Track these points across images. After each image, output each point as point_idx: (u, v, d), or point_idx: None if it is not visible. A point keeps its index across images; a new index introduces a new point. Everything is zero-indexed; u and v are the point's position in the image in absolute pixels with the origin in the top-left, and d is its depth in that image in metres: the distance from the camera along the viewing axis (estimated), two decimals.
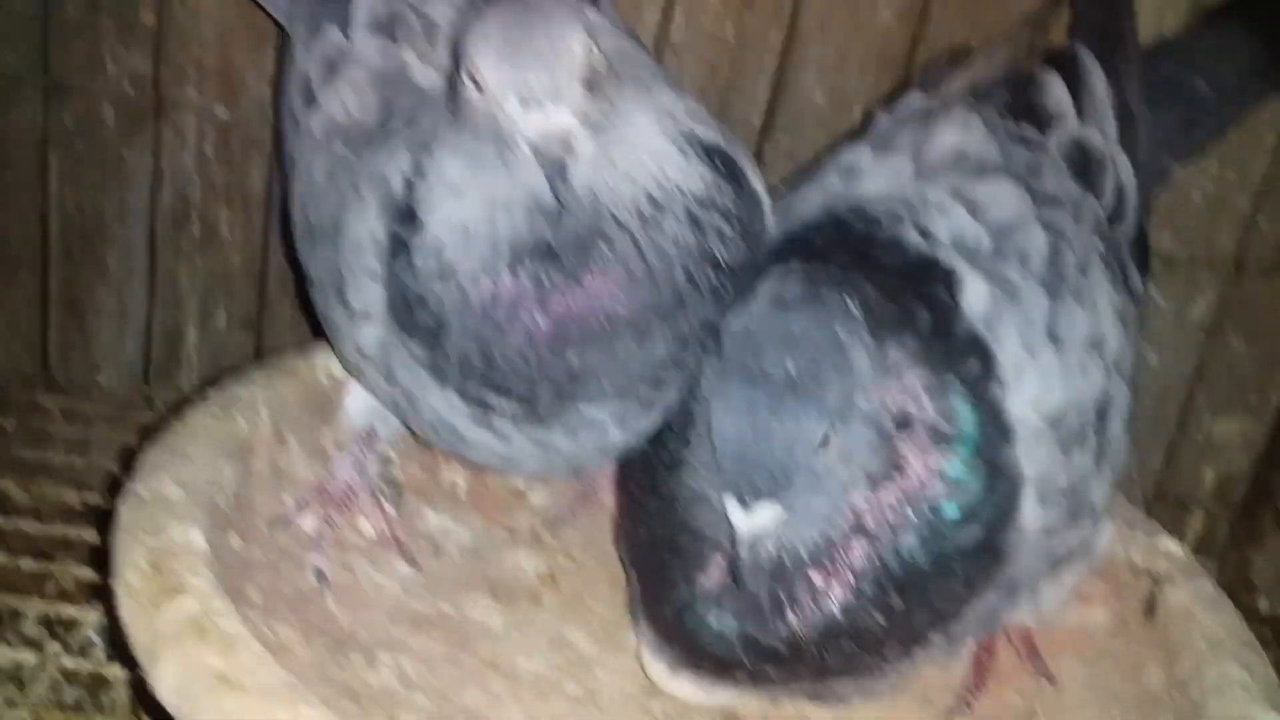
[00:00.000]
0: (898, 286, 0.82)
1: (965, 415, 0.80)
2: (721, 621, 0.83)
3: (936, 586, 0.81)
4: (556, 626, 0.95)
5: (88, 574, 1.08)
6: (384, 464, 0.99)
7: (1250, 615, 1.05)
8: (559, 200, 0.74)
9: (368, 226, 0.85)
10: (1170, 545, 0.95)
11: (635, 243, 0.79)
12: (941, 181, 0.89)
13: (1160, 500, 1.32)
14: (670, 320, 0.82)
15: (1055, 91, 0.98)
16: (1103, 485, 0.87)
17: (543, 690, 0.90)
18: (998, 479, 0.81)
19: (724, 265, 0.84)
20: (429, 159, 0.82)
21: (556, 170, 0.73)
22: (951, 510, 0.80)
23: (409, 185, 0.83)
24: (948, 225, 0.86)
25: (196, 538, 0.75)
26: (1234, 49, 1.08)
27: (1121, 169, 0.96)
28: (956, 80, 1.05)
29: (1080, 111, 0.97)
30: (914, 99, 1.03)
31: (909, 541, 0.80)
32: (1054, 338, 0.84)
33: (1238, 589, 1.29)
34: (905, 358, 0.80)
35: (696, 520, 0.84)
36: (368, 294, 0.85)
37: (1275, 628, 1.27)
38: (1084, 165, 0.95)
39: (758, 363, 0.74)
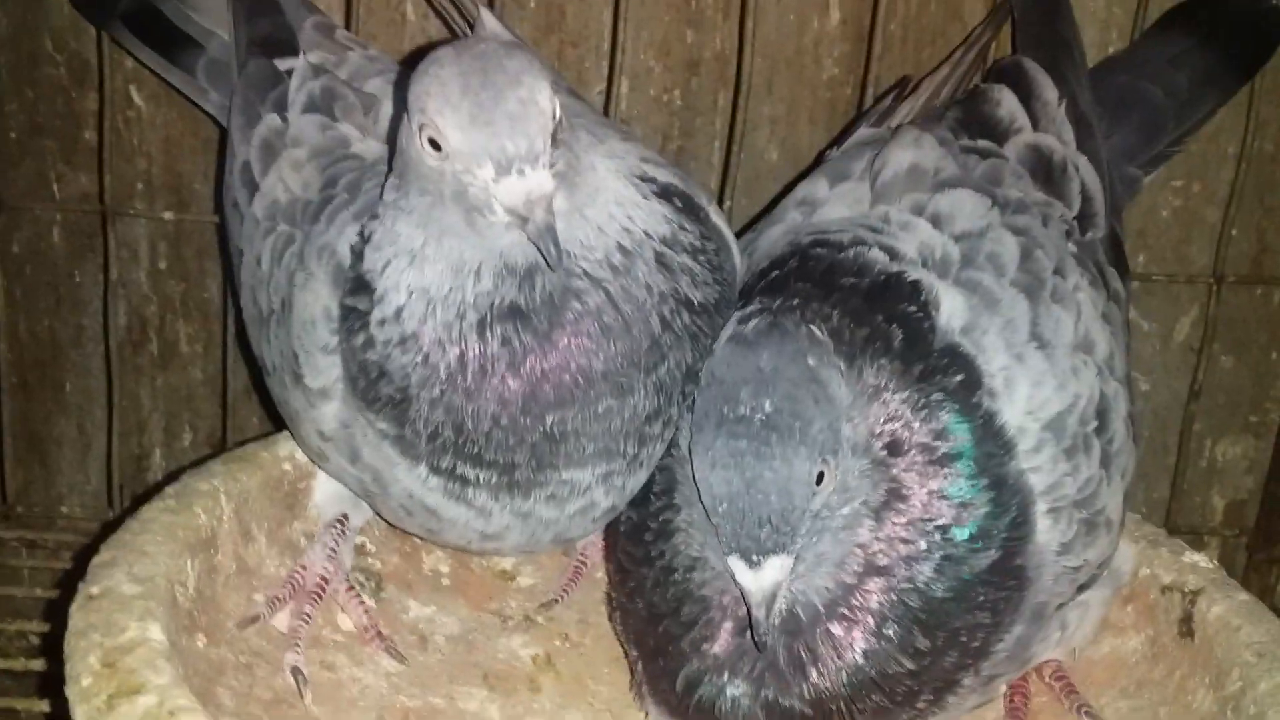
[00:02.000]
0: (865, 308, 0.80)
1: (959, 431, 0.77)
2: (738, 690, 0.78)
3: (961, 619, 0.77)
4: (557, 713, 0.89)
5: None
6: (359, 555, 0.93)
7: None
8: (549, 265, 0.70)
9: (319, 301, 0.81)
10: (1197, 559, 0.90)
11: (608, 295, 0.76)
12: (901, 200, 0.87)
13: (1173, 533, 1.27)
14: (650, 371, 0.78)
15: (1006, 102, 0.96)
16: (1115, 495, 0.82)
17: None
18: (1005, 494, 0.77)
19: (697, 306, 0.80)
20: (380, 227, 0.79)
21: (547, 236, 0.69)
22: (962, 533, 0.76)
23: (358, 255, 0.79)
24: (913, 240, 0.83)
25: (156, 634, 0.69)
26: (1185, 56, 1.07)
27: (1085, 173, 0.94)
28: (902, 110, 1.04)
29: (1034, 121, 0.96)
30: (863, 132, 1.01)
31: (925, 573, 0.76)
32: (1040, 341, 0.80)
33: None
34: (885, 379, 0.77)
35: (697, 586, 0.79)
36: (324, 372, 0.81)
37: None
38: (1046, 171, 0.92)
39: (733, 409, 0.71)
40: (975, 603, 0.77)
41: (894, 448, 0.76)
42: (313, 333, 0.81)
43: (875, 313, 0.79)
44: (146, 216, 1.20)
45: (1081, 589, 0.83)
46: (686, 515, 0.80)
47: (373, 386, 0.77)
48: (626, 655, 0.89)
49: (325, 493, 0.91)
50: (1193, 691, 0.84)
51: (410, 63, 0.78)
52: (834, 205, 0.89)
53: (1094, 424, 0.81)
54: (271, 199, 0.88)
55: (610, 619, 0.91)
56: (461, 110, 0.68)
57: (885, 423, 0.76)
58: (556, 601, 0.97)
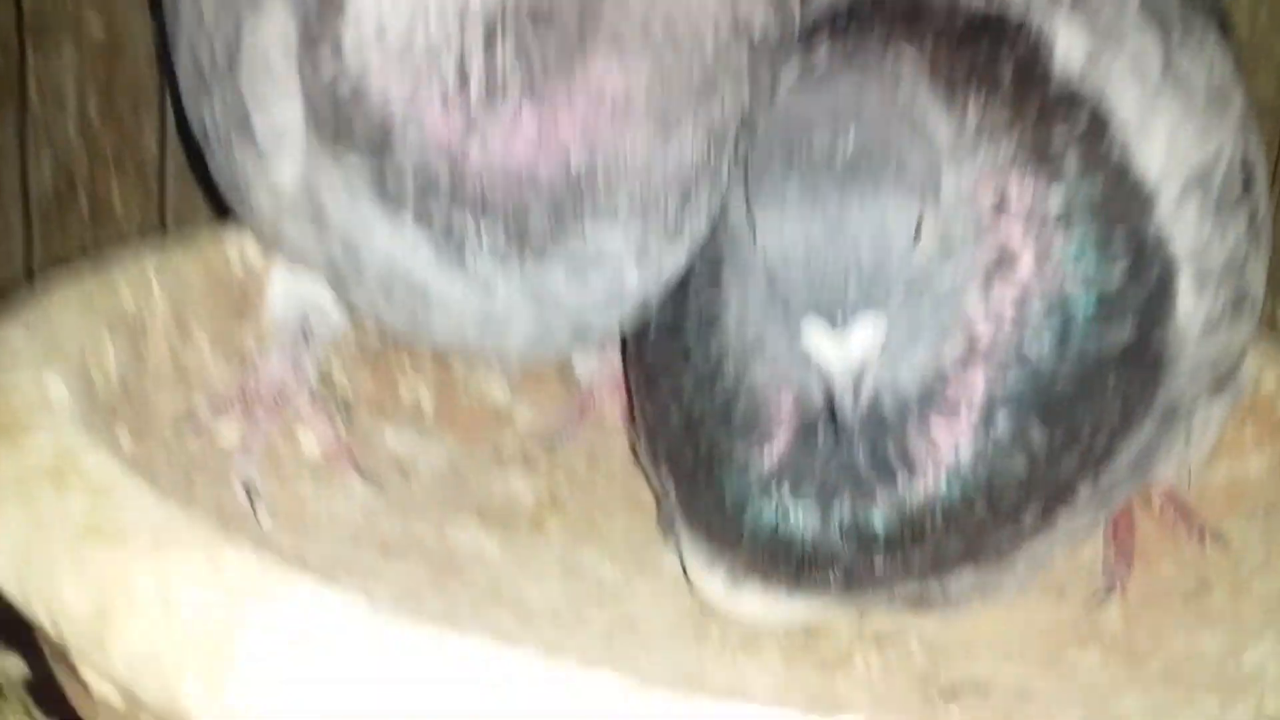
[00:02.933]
0: (966, 37, 0.64)
1: (1082, 183, 0.61)
2: (803, 506, 0.62)
3: (1086, 412, 0.61)
4: (568, 553, 0.73)
5: None
6: (325, 383, 0.77)
7: None
8: None
9: (275, 29, 0.65)
10: None
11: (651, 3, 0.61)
12: None
13: None
14: (700, 108, 0.62)
15: None
16: (1260, 270, 0.68)
17: (563, 623, 0.67)
18: (1142, 259, 0.62)
19: (756, 40, 0.65)
20: None
21: None
22: (1087, 304, 0.61)
23: None
24: None
25: (57, 387, 0.52)
26: None
27: None
28: None
29: None
30: None
31: (1043, 353, 0.60)
32: (1177, 80, 0.66)
33: None
34: (994, 121, 0.62)
35: (751, 382, 0.64)
36: (281, 114, 0.64)
37: None
38: None
39: (806, 152, 0.56)
40: (1103, 392, 0.61)
41: (1005, 202, 0.61)
42: (267, 72, 0.65)
43: (979, 45, 0.64)
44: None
45: (1219, 382, 0.68)
46: (739, 294, 0.64)
47: (346, 121, 0.62)
48: (652, 486, 0.73)
49: (283, 292, 0.74)
50: None
51: None
52: None
53: (1240, 182, 0.66)
54: None
55: (633, 448, 0.75)
56: None
57: (995, 172, 0.61)
58: (561, 439, 0.81)
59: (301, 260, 0.71)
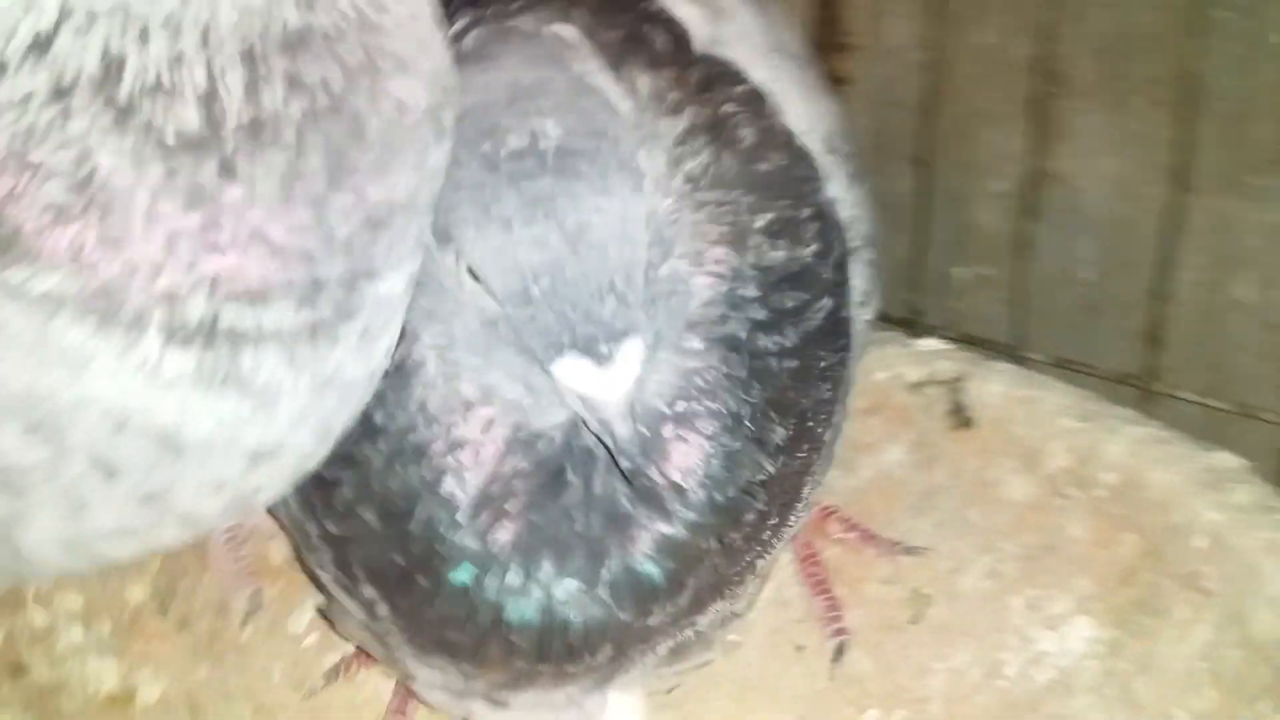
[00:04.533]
0: (608, 11, 0.58)
1: (769, 152, 0.58)
2: (566, 582, 0.53)
3: (809, 395, 0.58)
4: None
5: None
6: None
7: None
8: None
9: None
10: (934, 344, 0.81)
11: None
12: None
13: None
14: None
15: None
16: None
17: None
18: (827, 230, 0.59)
19: None
20: None
21: None
22: (799, 281, 0.57)
23: None
24: None
25: None
26: None
27: None
28: None
29: None
30: None
31: (770, 339, 0.56)
32: (785, 52, 0.64)
33: None
34: (664, 90, 0.57)
35: (466, 448, 0.53)
36: None
37: None
38: None
39: (501, 143, 0.47)
40: (817, 371, 0.58)
41: (698, 178, 0.56)
42: None
43: (621, 13, 0.58)
44: None
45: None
46: (437, 349, 0.53)
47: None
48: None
49: None
50: (999, 482, 0.75)
51: None
52: None
53: (857, 153, 0.66)
54: None
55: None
56: None
57: (682, 144, 0.56)
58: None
59: None
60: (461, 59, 0.50)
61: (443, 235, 0.47)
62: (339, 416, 0.50)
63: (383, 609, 0.56)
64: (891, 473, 0.80)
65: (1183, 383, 0.98)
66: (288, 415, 0.48)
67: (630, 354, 0.46)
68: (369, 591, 0.56)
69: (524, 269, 0.45)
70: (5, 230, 0.42)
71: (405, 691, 0.69)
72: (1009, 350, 1.04)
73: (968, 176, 1.15)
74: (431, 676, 0.58)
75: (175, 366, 0.44)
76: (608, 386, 0.46)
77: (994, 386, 0.76)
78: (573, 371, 0.46)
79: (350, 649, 0.71)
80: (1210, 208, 0.98)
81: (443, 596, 0.53)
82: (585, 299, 0.45)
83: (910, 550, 0.74)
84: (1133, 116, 1.02)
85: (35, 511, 0.48)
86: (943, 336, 0.94)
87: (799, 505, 0.60)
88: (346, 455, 0.53)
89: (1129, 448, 0.68)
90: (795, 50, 0.67)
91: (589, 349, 0.46)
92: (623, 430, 0.47)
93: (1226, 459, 0.64)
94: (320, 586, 0.62)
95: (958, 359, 0.80)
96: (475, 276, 0.47)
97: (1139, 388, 0.98)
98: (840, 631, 0.71)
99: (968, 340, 1.11)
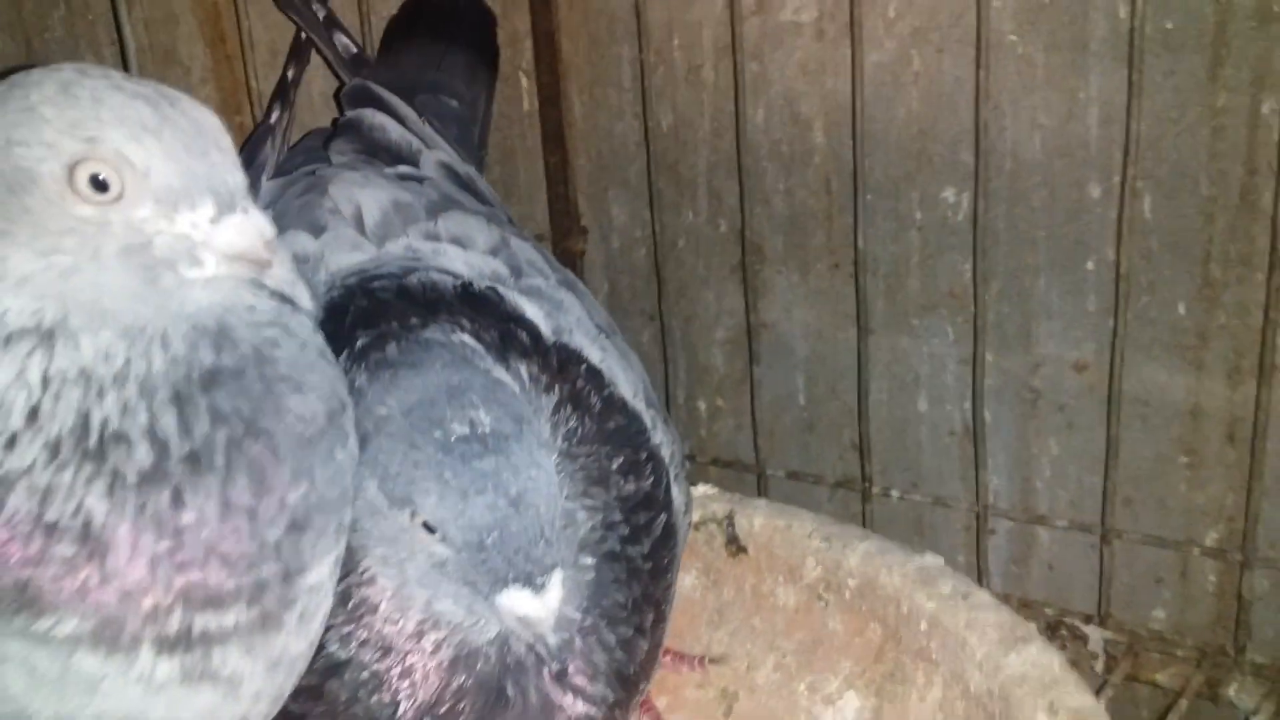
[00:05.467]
0: (479, 315, 0.75)
1: (617, 415, 0.77)
2: None
3: (664, 588, 0.78)
4: None
5: None
6: None
7: None
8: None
9: None
10: (703, 489, 1.02)
11: None
12: (409, 233, 0.82)
13: None
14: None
15: (390, 127, 0.95)
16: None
17: None
18: (656, 468, 0.79)
19: None
20: None
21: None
22: (654, 501, 0.78)
23: None
24: (459, 261, 0.80)
25: None
26: (447, 61, 1.14)
27: (480, 180, 0.98)
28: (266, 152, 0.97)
29: (420, 139, 0.96)
30: (271, 186, 0.91)
31: (642, 548, 0.76)
32: (602, 330, 0.83)
33: None
34: (536, 376, 0.74)
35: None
36: None
37: None
38: (463, 183, 0.94)
39: (445, 431, 0.63)
40: (663, 566, 0.77)
41: (571, 437, 0.74)
42: None
43: (491, 318, 0.75)
44: None
45: None
46: (393, 579, 0.67)
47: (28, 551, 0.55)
48: None
49: None
50: (772, 593, 0.96)
51: None
52: (337, 253, 0.80)
53: (648, 398, 0.86)
54: None
55: None
56: (165, 137, 0.54)
57: (556, 414, 0.73)
58: None
59: None
60: (389, 364, 0.66)
61: (401, 500, 0.63)
62: (288, 685, 0.64)
63: None
64: (690, 595, 1.00)
65: (889, 483, 1.22)
66: (250, 694, 0.61)
67: (555, 581, 0.63)
68: None
69: (479, 526, 0.61)
70: (30, 591, 0.54)
71: None
72: (754, 469, 1.27)
73: (695, 328, 1.37)
74: None
75: (164, 673, 0.57)
76: (542, 608, 0.62)
77: (757, 519, 0.98)
78: (515, 600, 0.62)
79: None
80: (886, 344, 1.23)
81: None
82: (526, 546, 0.61)
83: (714, 660, 0.94)
84: (817, 277, 1.27)
85: None
86: (698, 462, 1.15)
87: (656, 668, 0.79)
88: (315, 688, 0.67)
89: (863, 558, 0.90)
90: (608, 325, 0.85)
91: (529, 582, 0.62)
92: (554, 640, 0.64)
93: (933, 559, 0.88)
94: None
95: (724, 500, 1.00)
96: (430, 530, 0.63)
97: (857, 490, 1.21)
98: None
99: (720, 463, 1.34)
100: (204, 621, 0.57)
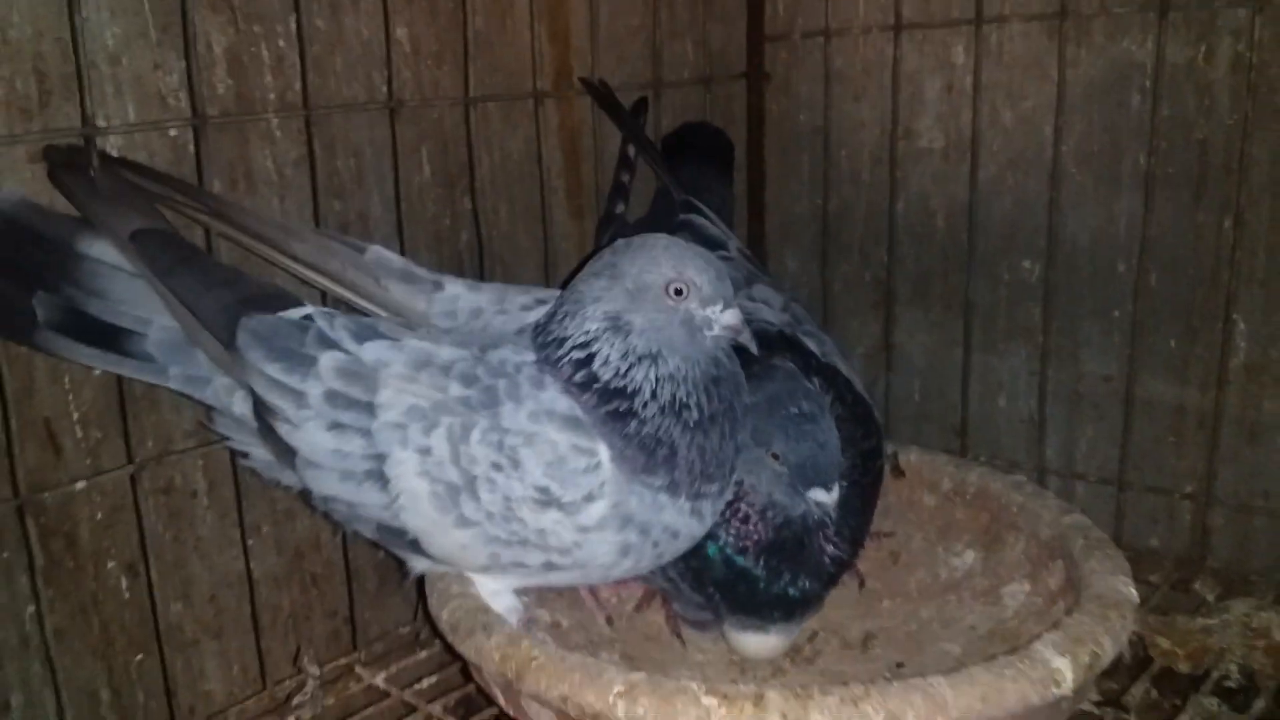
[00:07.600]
0: (788, 350, 1.34)
1: (855, 408, 1.35)
2: (795, 584, 1.27)
3: (875, 494, 1.39)
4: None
5: None
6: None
7: None
8: (752, 351, 1.15)
9: (563, 440, 1.10)
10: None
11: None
12: (753, 289, 1.43)
13: None
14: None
15: (709, 227, 1.54)
16: None
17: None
18: (876, 426, 1.39)
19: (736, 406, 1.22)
20: (600, 354, 1.13)
21: (751, 338, 1.15)
22: (870, 455, 1.37)
23: (582, 384, 1.12)
24: (772, 315, 1.38)
25: None
26: (701, 171, 1.73)
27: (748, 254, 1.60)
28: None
29: (721, 231, 1.57)
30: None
31: (865, 479, 1.35)
32: (839, 352, 1.42)
33: None
34: (820, 383, 1.32)
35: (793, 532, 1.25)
36: (586, 482, 1.09)
37: None
38: (748, 257, 1.56)
39: (795, 409, 1.22)
40: (876, 486, 1.38)
41: (838, 415, 1.30)
42: (567, 461, 1.09)
43: (794, 350, 1.33)
44: None
45: None
46: (753, 483, 1.24)
47: (651, 454, 1.10)
48: (708, 610, 1.31)
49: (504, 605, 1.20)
50: (920, 499, 1.54)
51: None
52: (763, 309, 1.40)
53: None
54: (408, 406, 1.11)
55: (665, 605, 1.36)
56: (709, 272, 1.11)
57: (832, 403, 1.30)
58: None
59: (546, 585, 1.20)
60: (754, 377, 1.22)
61: (763, 443, 1.20)
62: (696, 527, 1.18)
63: (718, 597, 1.27)
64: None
65: (978, 454, 1.76)
66: (708, 522, 1.18)
67: (836, 488, 1.19)
68: (713, 593, 1.27)
69: (802, 456, 1.18)
70: (646, 468, 1.14)
71: (668, 610, 1.37)
72: None
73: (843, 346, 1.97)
74: (733, 622, 1.29)
75: (688, 508, 1.14)
76: (829, 499, 1.19)
77: (912, 455, 1.56)
78: (817, 494, 1.18)
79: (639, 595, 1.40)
80: (980, 361, 1.75)
81: (746, 588, 1.25)
82: (825, 468, 1.18)
83: (886, 534, 1.52)
84: (935, 314, 1.80)
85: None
86: None
87: (866, 538, 1.37)
88: (712, 533, 1.25)
89: (978, 475, 1.52)
90: (842, 349, 1.41)
91: (825, 485, 1.18)
92: (834, 513, 1.20)
93: (1019, 476, 1.49)
94: (673, 595, 1.32)
95: (890, 445, 1.60)
96: (776, 457, 1.20)
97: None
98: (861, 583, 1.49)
99: None
100: (703, 488, 1.14)
